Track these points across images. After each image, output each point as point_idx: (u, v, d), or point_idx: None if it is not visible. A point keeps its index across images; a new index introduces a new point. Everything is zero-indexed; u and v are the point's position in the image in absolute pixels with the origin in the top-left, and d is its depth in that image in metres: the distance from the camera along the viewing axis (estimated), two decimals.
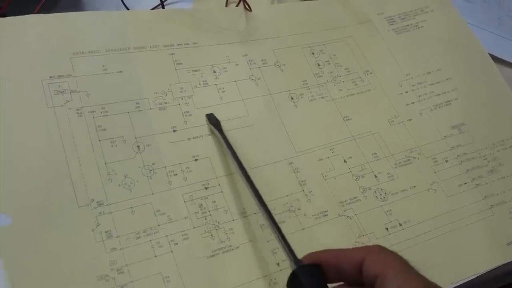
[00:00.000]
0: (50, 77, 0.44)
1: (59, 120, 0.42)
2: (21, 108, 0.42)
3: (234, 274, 0.41)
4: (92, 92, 0.44)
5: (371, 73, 0.55)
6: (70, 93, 0.44)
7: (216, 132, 0.45)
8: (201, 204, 0.43)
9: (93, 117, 0.44)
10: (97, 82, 0.45)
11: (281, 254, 0.42)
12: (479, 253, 0.46)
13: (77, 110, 0.43)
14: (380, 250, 0.33)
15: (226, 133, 0.46)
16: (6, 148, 0.40)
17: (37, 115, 0.42)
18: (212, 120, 0.46)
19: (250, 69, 0.51)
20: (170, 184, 0.43)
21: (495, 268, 0.46)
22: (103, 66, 0.46)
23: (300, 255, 0.42)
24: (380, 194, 0.48)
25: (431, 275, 0.44)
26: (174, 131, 0.46)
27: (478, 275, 0.45)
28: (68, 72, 0.45)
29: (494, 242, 0.47)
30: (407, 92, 0.55)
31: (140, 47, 0.48)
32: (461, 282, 0.44)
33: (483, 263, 0.46)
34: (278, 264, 0.42)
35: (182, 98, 0.47)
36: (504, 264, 0.46)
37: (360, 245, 0.44)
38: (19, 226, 0.38)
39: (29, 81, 0.43)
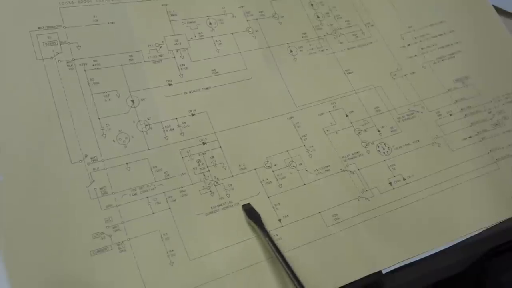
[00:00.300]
0: (39, 28, 0.42)
1: (49, 72, 0.41)
2: (9, 61, 0.40)
3: (235, 231, 0.40)
4: (83, 44, 0.43)
5: (372, 25, 0.53)
6: (60, 44, 0.42)
7: (257, 228, 0.40)
8: (199, 160, 0.42)
9: (85, 70, 0.42)
10: (88, 34, 0.43)
11: (283, 209, 0.41)
12: (485, 207, 0.45)
13: (67, 62, 0.41)
14: None
15: (224, 89, 0.44)
16: None
17: (26, 67, 0.40)
18: (251, 214, 0.41)
19: (247, 21, 0.49)
20: (167, 139, 0.42)
21: (501, 222, 0.45)
22: (94, 16, 0.44)
23: (300, 211, 0.42)
24: (383, 149, 0.46)
25: (436, 230, 0.43)
26: (170, 84, 0.44)
27: (484, 229, 0.44)
28: (58, 22, 0.43)
29: (500, 196, 0.46)
30: (409, 44, 0.53)
31: None
32: (467, 237, 0.44)
33: (489, 217, 0.45)
34: (280, 220, 0.41)
35: (177, 51, 0.45)
36: (510, 218, 0.45)
37: (364, 200, 0.43)
38: (10, 183, 0.36)
39: (16, 32, 0.41)
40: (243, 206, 0.41)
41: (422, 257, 0.42)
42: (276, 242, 0.39)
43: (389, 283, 0.42)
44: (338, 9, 0.53)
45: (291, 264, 0.37)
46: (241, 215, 0.41)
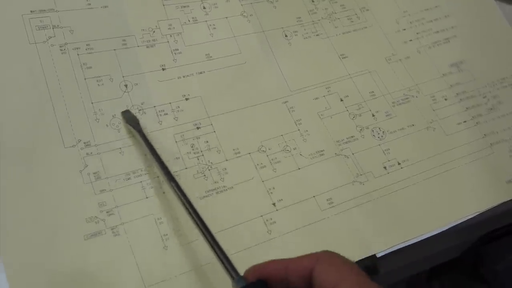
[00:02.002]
0: (31, 11, 0.42)
1: (42, 57, 0.40)
2: (1, 45, 0.40)
3: (229, 215, 0.40)
4: (76, 28, 0.42)
5: (367, 10, 0.53)
6: (53, 28, 0.42)
7: (136, 133, 0.39)
8: (193, 144, 0.42)
9: (78, 54, 0.41)
10: (81, 18, 0.43)
11: (278, 194, 0.41)
12: (479, 192, 0.45)
13: (60, 46, 0.41)
14: (331, 258, 0.28)
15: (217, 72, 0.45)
16: None
17: (19, 51, 0.40)
18: (129, 119, 0.40)
19: (241, 5, 0.49)
20: (161, 124, 0.42)
21: (495, 207, 0.45)
22: (87, 0, 0.44)
23: (294, 195, 0.42)
24: (378, 133, 0.46)
25: (431, 214, 0.43)
26: (163, 69, 0.44)
27: (479, 213, 0.44)
28: (50, 6, 0.42)
29: (494, 180, 0.46)
30: (404, 29, 0.53)
31: None
32: (461, 221, 0.44)
33: (484, 201, 0.45)
34: (274, 204, 0.41)
35: (171, 36, 0.45)
36: (505, 202, 0.45)
37: (358, 184, 0.43)
38: (3, 168, 0.36)
39: (8, 16, 0.41)
40: (122, 112, 0.41)
41: (417, 241, 0.42)
42: (156, 149, 0.39)
43: (384, 267, 0.42)
44: None
45: (175, 177, 0.37)
46: (236, 197, 0.41)
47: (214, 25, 0.47)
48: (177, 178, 0.39)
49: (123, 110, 0.41)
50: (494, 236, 0.50)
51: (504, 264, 0.50)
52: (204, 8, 0.47)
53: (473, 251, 0.49)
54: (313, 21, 0.51)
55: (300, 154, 0.43)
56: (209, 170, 0.41)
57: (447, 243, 0.46)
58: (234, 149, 0.42)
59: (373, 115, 0.47)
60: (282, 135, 0.44)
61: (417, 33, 0.53)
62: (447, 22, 0.55)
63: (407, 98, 0.49)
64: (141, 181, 0.39)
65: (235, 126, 0.43)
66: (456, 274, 0.56)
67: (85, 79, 0.41)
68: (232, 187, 0.41)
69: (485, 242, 0.50)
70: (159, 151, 0.39)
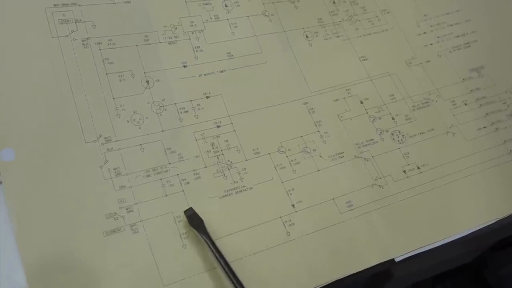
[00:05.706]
0: (54, 5, 0.41)
1: (64, 50, 0.40)
2: (24, 38, 0.40)
3: (248, 215, 0.39)
4: (99, 23, 0.42)
5: (388, 12, 0.53)
6: (75, 23, 0.41)
7: (199, 235, 0.37)
8: (213, 143, 0.41)
9: (100, 49, 0.41)
10: (104, 13, 0.43)
11: (297, 195, 0.41)
12: (498, 198, 0.45)
13: (82, 41, 0.41)
14: None
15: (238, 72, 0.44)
16: (9, 79, 0.38)
17: (41, 45, 0.40)
18: (193, 220, 0.38)
19: (263, 4, 0.49)
20: (181, 121, 0.41)
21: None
22: None
23: (313, 197, 0.41)
24: (398, 137, 0.46)
25: (449, 220, 0.43)
26: (185, 66, 0.43)
27: (498, 220, 0.44)
28: (73, 0, 0.42)
29: None
30: (425, 33, 0.53)
31: None
32: (480, 227, 0.43)
33: (503, 208, 0.45)
34: (293, 205, 0.41)
35: (192, 33, 0.45)
36: None
37: (377, 187, 0.43)
38: (23, 161, 0.36)
39: (32, 9, 0.41)
40: (185, 211, 0.38)
41: (434, 246, 0.42)
42: (220, 250, 0.36)
43: (399, 272, 0.41)
44: None
45: (236, 272, 0.36)
46: (256, 198, 0.40)
47: (235, 23, 0.47)
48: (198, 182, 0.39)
49: (141, 104, 0.41)
50: (504, 244, 0.49)
51: (508, 270, 0.50)
52: (226, 6, 0.47)
53: (480, 256, 0.49)
54: (334, 22, 0.50)
55: (320, 156, 0.43)
56: (228, 169, 0.41)
57: (462, 248, 0.45)
58: (254, 149, 0.42)
59: (393, 118, 0.47)
60: (302, 136, 0.44)
61: (437, 37, 0.53)
62: (468, 26, 0.54)
63: (427, 102, 0.48)
64: (160, 179, 0.39)
65: (255, 126, 0.43)
66: (460, 278, 0.56)
67: (106, 74, 0.41)
68: (251, 187, 0.41)
69: (497, 249, 0.50)
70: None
